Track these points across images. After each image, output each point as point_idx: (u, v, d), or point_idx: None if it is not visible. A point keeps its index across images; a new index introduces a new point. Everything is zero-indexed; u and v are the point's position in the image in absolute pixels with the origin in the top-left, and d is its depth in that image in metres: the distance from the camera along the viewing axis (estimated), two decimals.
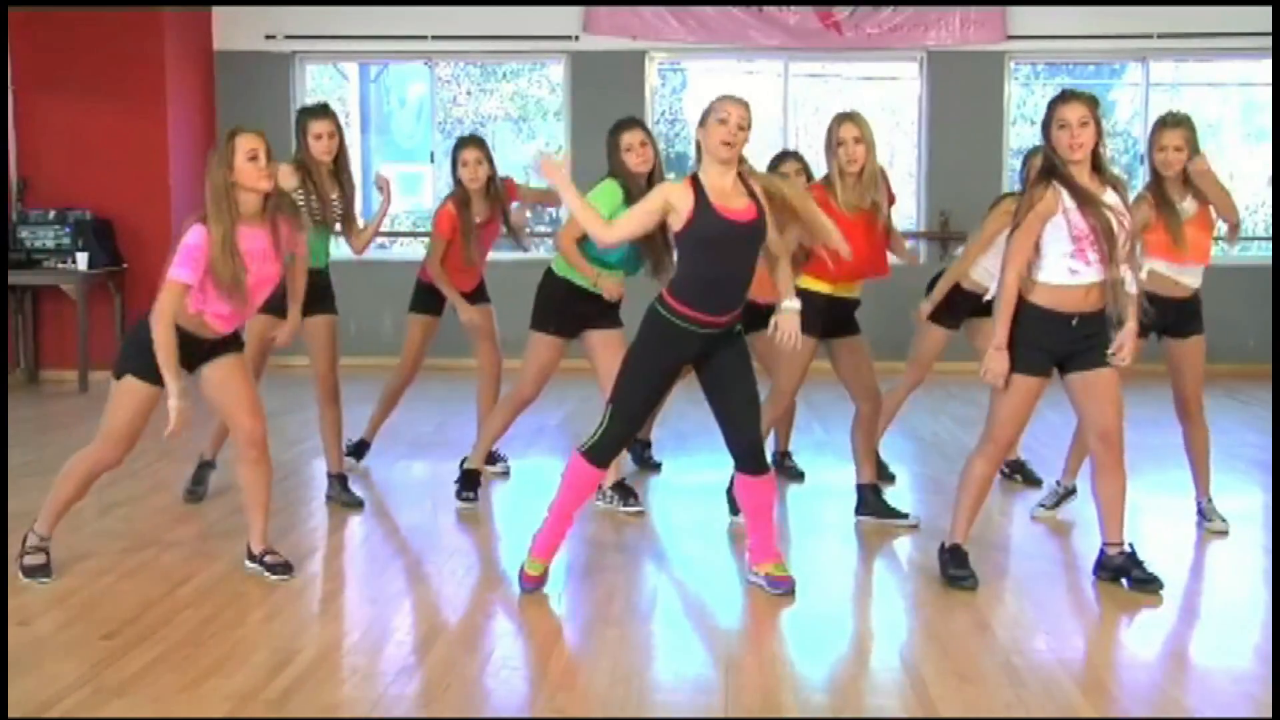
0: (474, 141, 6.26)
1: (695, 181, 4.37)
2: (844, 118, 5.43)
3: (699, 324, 4.34)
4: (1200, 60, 10.80)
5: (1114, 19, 10.09)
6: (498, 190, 6.27)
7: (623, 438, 4.51)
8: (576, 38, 10.37)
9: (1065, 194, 4.34)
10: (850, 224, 5.06)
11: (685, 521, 5.61)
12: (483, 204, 6.19)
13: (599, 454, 4.45)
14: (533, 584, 4.52)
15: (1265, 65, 10.37)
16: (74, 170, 9.68)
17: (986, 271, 5.77)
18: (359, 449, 6.68)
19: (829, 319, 5.37)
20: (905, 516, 5.56)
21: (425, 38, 10.46)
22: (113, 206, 9.72)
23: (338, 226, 5.89)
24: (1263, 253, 10.64)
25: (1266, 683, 3.72)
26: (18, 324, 9.63)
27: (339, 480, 5.97)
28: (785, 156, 6.36)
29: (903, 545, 5.28)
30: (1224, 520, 5.37)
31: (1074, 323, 4.40)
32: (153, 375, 4.45)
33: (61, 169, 9.68)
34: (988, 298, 4.96)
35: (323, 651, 3.98)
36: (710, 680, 3.82)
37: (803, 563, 4.95)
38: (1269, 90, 10.40)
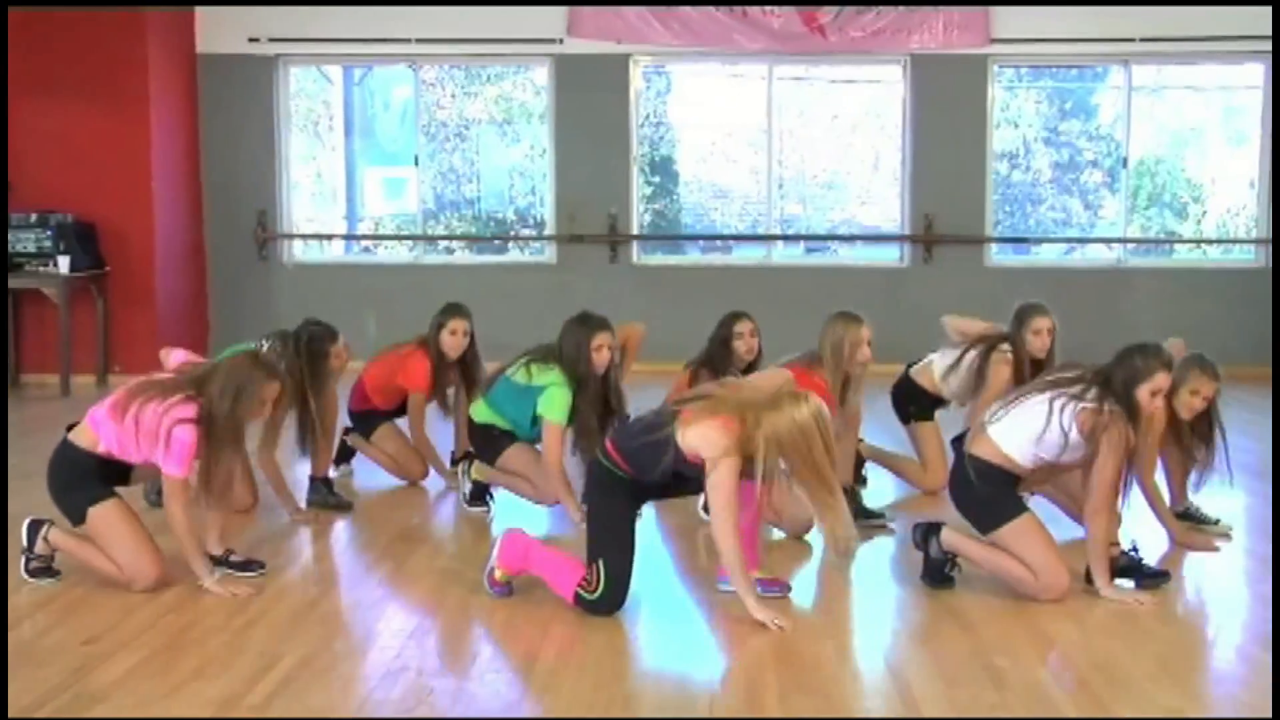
0: (465, 313, 6.32)
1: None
2: (861, 323, 5.62)
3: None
4: (1182, 64, 10.84)
5: (1097, 22, 10.12)
6: (469, 363, 6.32)
7: (622, 589, 4.35)
8: (561, 40, 10.36)
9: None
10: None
11: (668, 523, 5.60)
12: (451, 373, 6.31)
13: (598, 608, 4.32)
14: (500, 589, 4.54)
15: (1247, 69, 10.43)
16: (56, 173, 9.62)
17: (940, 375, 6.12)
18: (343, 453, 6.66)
19: None
20: (881, 517, 5.57)
21: (409, 40, 10.45)
22: (95, 209, 9.67)
23: None
24: (1246, 255, 10.70)
25: (1250, 685, 3.73)
26: None
27: (324, 484, 5.95)
28: (738, 317, 6.33)
29: (884, 547, 5.28)
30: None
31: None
32: (105, 490, 4.60)
33: (43, 171, 9.62)
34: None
35: (306, 656, 3.96)
36: (695, 682, 3.81)
37: (785, 564, 4.94)
38: (1251, 94, 10.46)
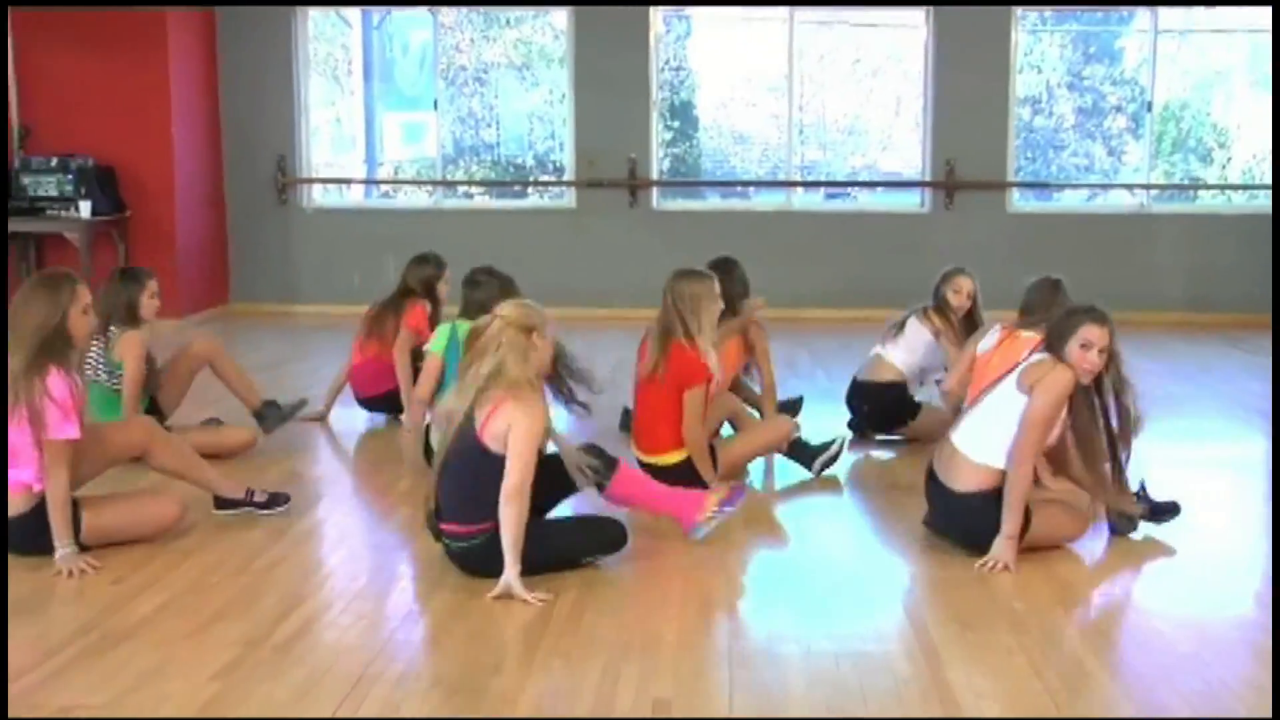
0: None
1: None
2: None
3: None
4: (1209, 6, 10.68)
5: None
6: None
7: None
8: None
9: None
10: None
11: None
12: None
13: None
14: None
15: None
16: (76, 117, 9.63)
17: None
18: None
19: None
20: (832, 443, 5.55)
21: None
22: (116, 154, 9.68)
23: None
24: (1266, 201, 10.59)
25: (1267, 630, 3.74)
26: (21, 272, 9.62)
27: (268, 407, 6.02)
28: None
29: (899, 493, 5.27)
30: None
31: None
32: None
33: (64, 116, 9.62)
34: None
35: (328, 598, 4.01)
36: (712, 630, 3.85)
37: (801, 513, 4.96)
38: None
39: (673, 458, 5.08)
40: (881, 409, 6.11)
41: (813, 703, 3.27)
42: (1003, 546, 4.21)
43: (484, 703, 3.25)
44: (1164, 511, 4.62)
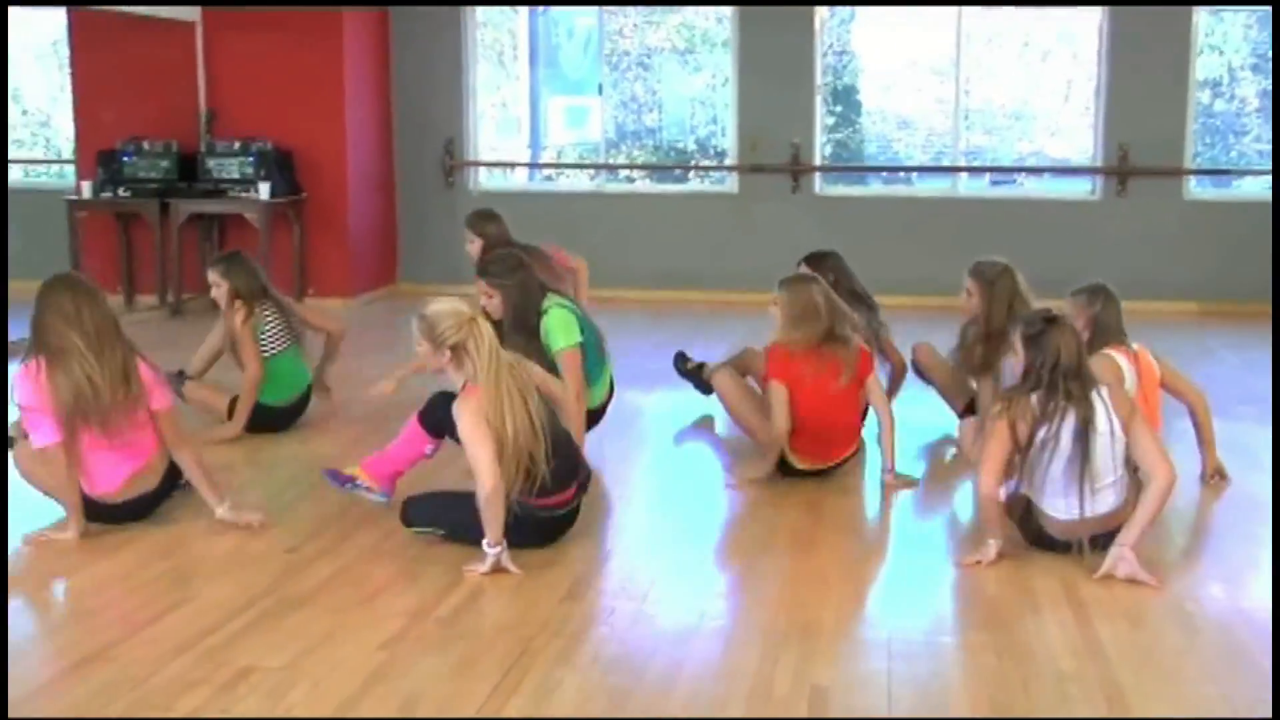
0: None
1: None
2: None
3: None
4: None
5: None
6: None
7: None
8: None
9: None
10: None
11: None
12: None
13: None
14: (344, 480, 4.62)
15: None
16: (257, 102, 9.98)
17: None
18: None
19: None
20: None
21: None
22: (293, 138, 10.01)
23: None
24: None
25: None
26: (204, 252, 10.03)
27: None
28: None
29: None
30: None
31: None
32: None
33: (245, 101, 9.99)
34: None
35: (492, 573, 4.10)
36: (870, 619, 3.83)
37: (965, 505, 4.90)
38: None
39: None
40: None
41: (974, 698, 3.24)
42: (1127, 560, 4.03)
43: (642, 684, 3.30)
44: None
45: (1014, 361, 4.27)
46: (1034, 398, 4.06)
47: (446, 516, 4.32)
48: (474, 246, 6.12)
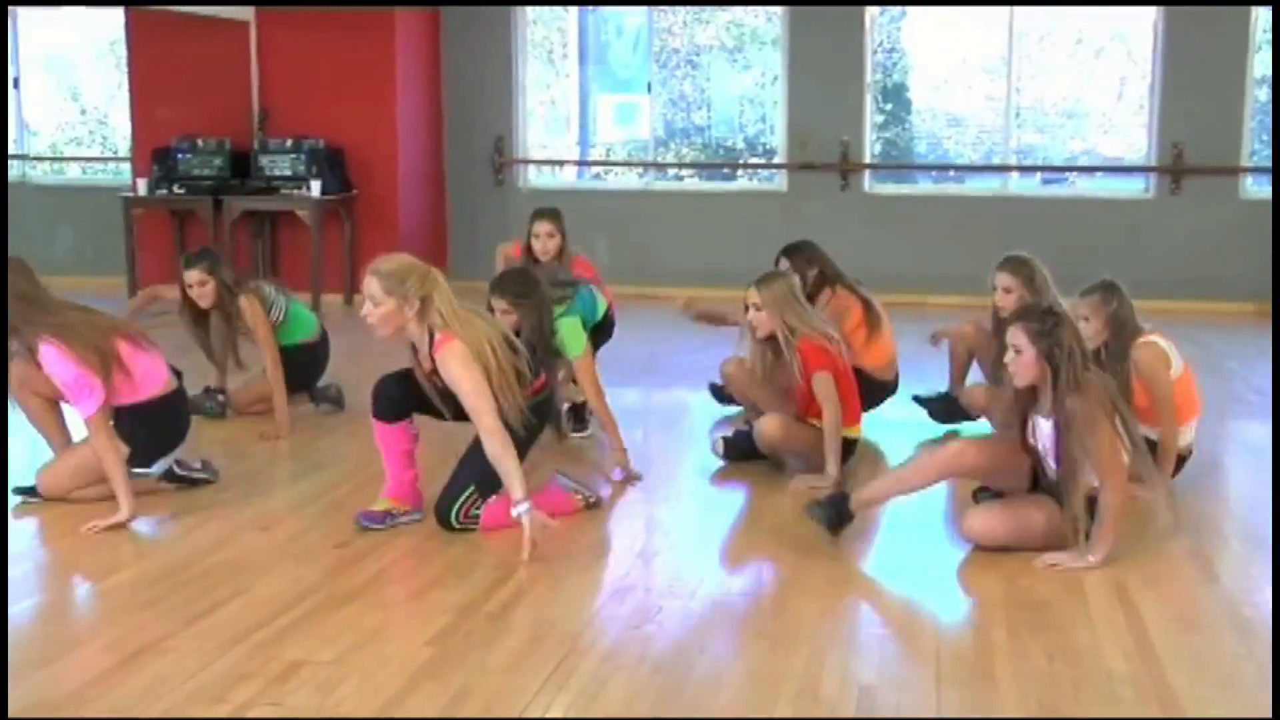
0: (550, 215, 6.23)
1: None
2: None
3: None
4: None
5: None
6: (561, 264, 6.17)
7: None
8: None
9: None
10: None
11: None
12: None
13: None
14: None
15: None
16: (308, 101, 10.09)
17: None
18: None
19: None
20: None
21: None
22: (344, 136, 10.10)
23: None
24: None
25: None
26: (258, 248, 10.14)
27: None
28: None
29: None
30: None
31: None
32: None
33: (297, 100, 10.10)
34: None
35: (540, 570, 4.11)
36: (920, 621, 3.81)
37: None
38: None
39: None
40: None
41: (1023, 699, 3.21)
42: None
43: (688, 681, 3.30)
44: None
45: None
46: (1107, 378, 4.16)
47: (467, 475, 4.40)
48: (553, 241, 6.18)
